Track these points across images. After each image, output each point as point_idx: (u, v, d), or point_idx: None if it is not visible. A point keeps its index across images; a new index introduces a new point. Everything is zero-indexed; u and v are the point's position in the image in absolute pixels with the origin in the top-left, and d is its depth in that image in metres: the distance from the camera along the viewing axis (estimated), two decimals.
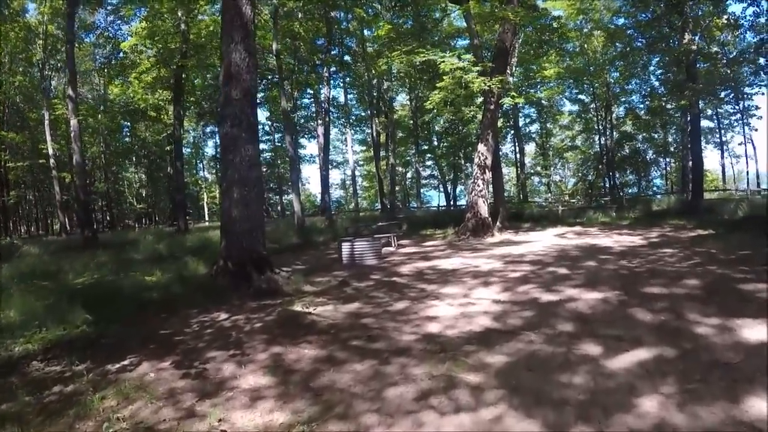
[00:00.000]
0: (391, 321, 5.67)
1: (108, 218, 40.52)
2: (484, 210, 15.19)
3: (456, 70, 13.28)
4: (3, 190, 32.13)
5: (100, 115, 31.41)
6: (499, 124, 33.07)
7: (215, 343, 5.25)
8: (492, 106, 15.31)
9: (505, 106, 28.84)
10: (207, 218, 39.38)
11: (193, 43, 22.51)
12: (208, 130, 39.45)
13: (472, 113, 18.55)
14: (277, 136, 38.83)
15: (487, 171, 15.41)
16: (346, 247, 11.27)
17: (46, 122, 28.46)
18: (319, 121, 30.88)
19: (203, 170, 43.44)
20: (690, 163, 22.91)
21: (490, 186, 17.37)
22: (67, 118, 20.04)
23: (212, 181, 44.36)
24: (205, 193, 42.13)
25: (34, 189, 37.63)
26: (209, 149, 42.42)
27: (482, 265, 9.47)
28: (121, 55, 25.75)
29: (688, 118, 28.91)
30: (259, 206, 8.47)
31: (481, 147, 15.41)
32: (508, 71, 15.74)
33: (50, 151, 28.52)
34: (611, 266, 8.45)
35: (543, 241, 13.46)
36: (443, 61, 13.35)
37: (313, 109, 33.88)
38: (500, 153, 35.90)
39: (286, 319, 6.06)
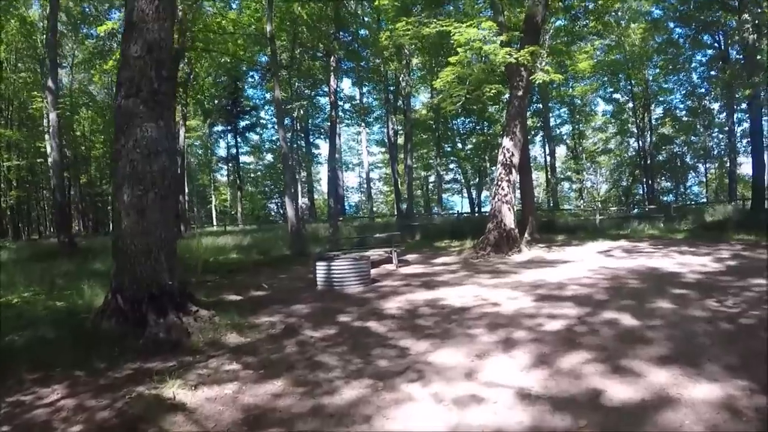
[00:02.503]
0: None
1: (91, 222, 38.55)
2: (509, 219, 12.20)
3: (474, 41, 10.38)
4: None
5: (84, 109, 29.35)
6: (528, 123, 30.05)
7: None
8: (520, 92, 12.31)
9: (535, 94, 25.92)
10: (215, 223, 37.09)
11: (195, 35, 20.27)
12: (218, 129, 37.40)
13: (496, 107, 15.77)
14: (287, 135, 36.22)
15: (513, 171, 12.41)
16: (321, 269, 8.55)
17: (45, 119, 26.74)
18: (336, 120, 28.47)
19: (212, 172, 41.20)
20: (744, 168, 19.77)
21: (518, 191, 14.42)
22: (47, 112, 17.99)
23: (224, 182, 42.28)
24: (213, 196, 39.88)
25: (41, 189, 36.03)
26: (221, 150, 40.55)
27: (504, 301, 6.57)
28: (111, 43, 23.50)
29: (735, 119, 26.11)
30: (163, 214, 5.74)
31: (506, 142, 12.41)
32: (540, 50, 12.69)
33: (48, 149, 26.82)
34: (699, 312, 5.48)
35: (585, 261, 10.44)
36: (458, 32, 10.48)
37: (328, 107, 31.35)
38: (529, 154, 32.93)
39: (124, 422, 3.36)
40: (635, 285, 7.30)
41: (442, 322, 5.66)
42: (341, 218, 26.86)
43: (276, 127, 35.84)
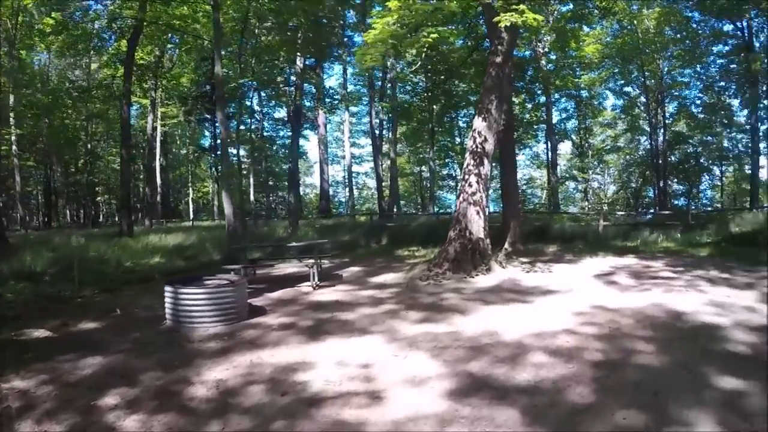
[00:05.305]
0: None
1: (82, 212, 35.90)
2: (477, 226, 9.11)
3: None
4: None
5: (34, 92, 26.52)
6: (527, 116, 26.81)
7: None
8: (498, 58, 9.21)
9: (537, 85, 22.76)
10: (191, 218, 34.14)
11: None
12: (202, 117, 34.58)
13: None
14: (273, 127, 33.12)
15: (485, 162, 9.28)
16: (169, 298, 5.67)
17: None
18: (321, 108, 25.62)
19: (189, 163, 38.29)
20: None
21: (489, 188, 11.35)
22: None
23: (206, 176, 39.39)
24: (190, 189, 37.03)
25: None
26: (206, 140, 37.68)
27: (398, 389, 3.59)
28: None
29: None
30: None
31: (477, 122, 9.31)
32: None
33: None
34: None
35: (574, 291, 7.29)
36: None
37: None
38: (522, 149, 29.73)
39: None
40: (649, 356, 4.23)
41: None
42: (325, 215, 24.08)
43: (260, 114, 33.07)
